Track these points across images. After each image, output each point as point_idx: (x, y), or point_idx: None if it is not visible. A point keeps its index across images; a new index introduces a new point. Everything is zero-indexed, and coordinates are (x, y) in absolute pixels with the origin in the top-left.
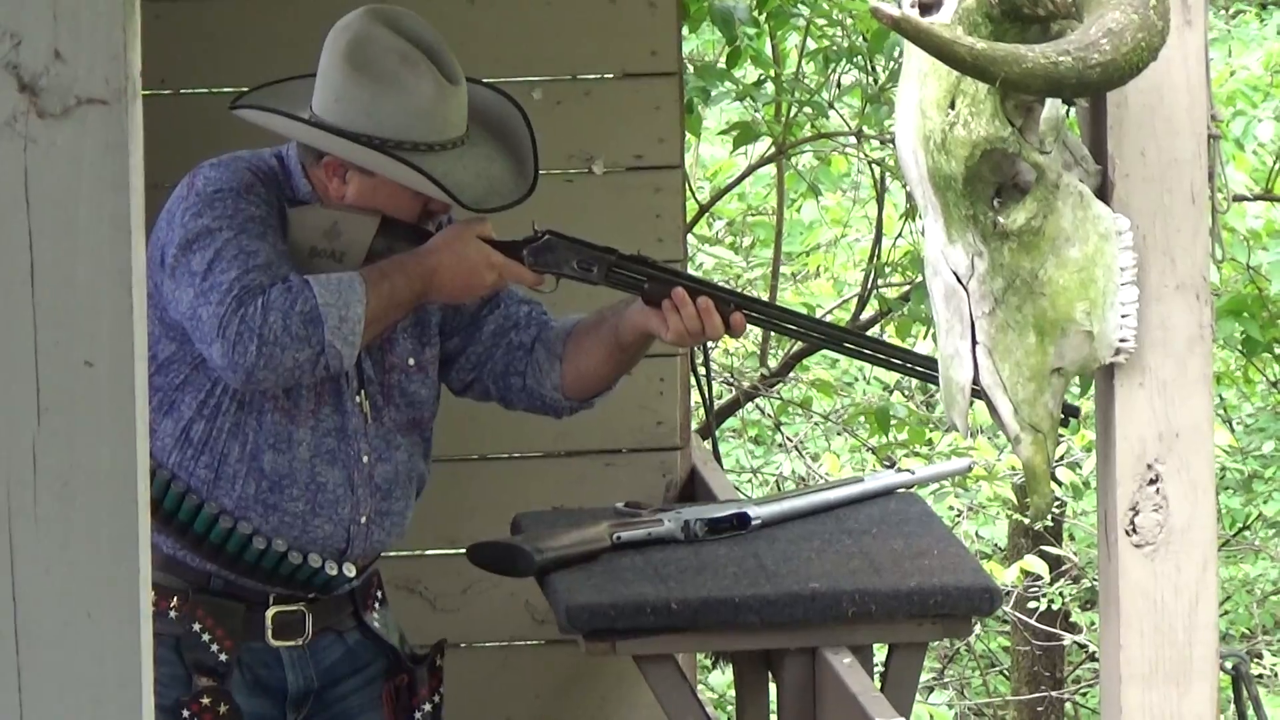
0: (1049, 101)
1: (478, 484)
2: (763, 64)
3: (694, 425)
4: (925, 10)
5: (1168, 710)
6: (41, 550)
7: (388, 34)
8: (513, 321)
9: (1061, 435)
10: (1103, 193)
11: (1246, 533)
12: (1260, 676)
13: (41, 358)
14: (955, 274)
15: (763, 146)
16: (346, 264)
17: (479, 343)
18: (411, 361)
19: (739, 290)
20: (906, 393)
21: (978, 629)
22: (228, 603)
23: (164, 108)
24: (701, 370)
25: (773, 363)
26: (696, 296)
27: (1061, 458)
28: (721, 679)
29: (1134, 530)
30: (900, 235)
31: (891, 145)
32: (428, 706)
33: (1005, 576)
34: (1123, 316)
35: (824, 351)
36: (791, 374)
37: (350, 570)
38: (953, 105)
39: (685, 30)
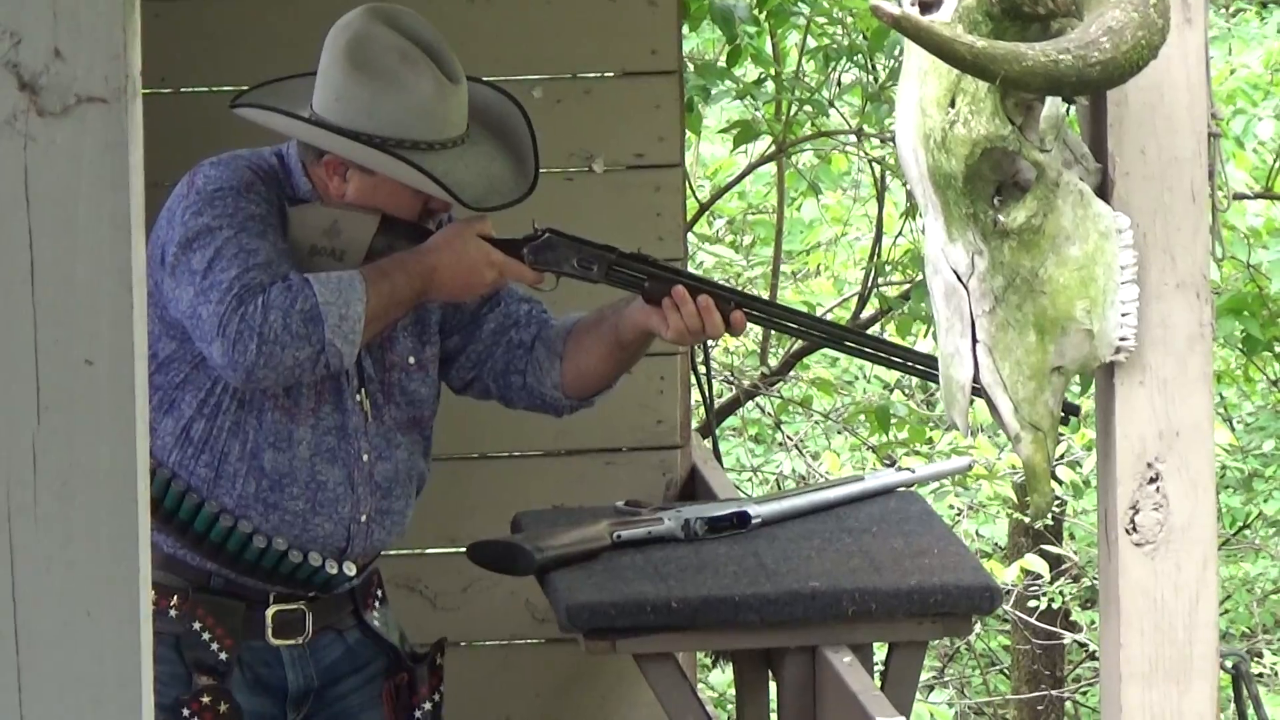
0: (1049, 100)
1: (478, 482)
2: (763, 62)
3: (694, 424)
4: (925, 8)
5: (1168, 709)
6: (41, 549)
7: (388, 32)
8: (513, 320)
9: (1062, 434)
10: (1103, 191)
11: (1247, 531)
12: (1260, 675)
13: (41, 356)
14: (955, 272)
15: (763, 145)
16: (347, 262)
17: (479, 341)
18: (412, 360)
19: (739, 289)
20: (907, 391)
21: (978, 628)
22: (228, 601)
23: (164, 106)
24: (702, 369)
25: (773, 361)
26: (697, 295)
27: (1062, 456)
28: (722, 678)
29: (1134, 529)
30: (900, 234)
31: (892, 143)
32: (428, 705)
33: (1005, 575)
34: (1123, 315)
35: (824, 350)
36: (792, 372)
37: (350, 569)
38: (953, 103)
39: (685, 29)
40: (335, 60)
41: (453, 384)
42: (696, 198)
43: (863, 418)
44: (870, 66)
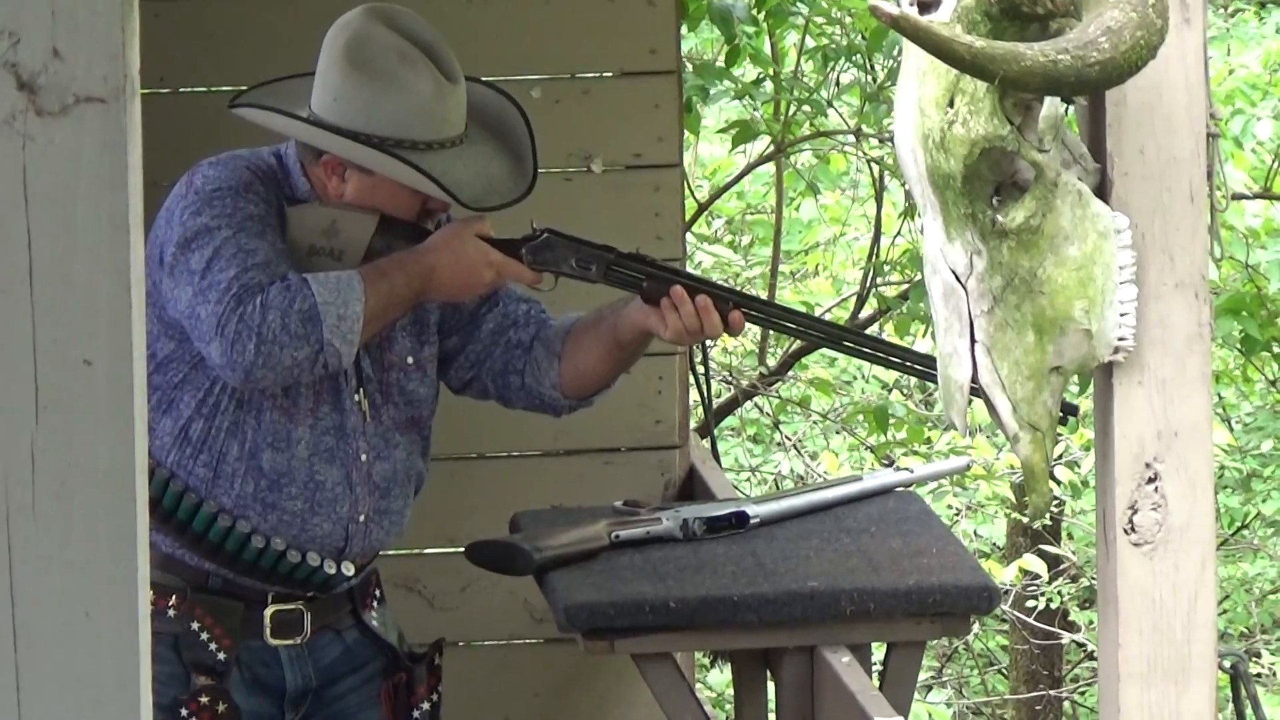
0: (1048, 100)
1: (476, 482)
2: (761, 62)
3: (692, 424)
4: (924, 8)
5: (1166, 709)
6: (40, 549)
7: (386, 33)
8: (511, 320)
9: (1060, 434)
10: (1101, 191)
11: (1245, 531)
12: (1259, 675)
13: (40, 356)
14: (954, 272)
15: (761, 145)
16: (345, 262)
17: (478, 341)
18: (410, 360)
19: (738, 288)
20: (905, 391)
21: (976, 628)
22: (226, 601)
23: (162, 106)
24: (700, 369)
25: (771, 361)
26: (695, 295)
27: (1060, 456)
28: (720, 678)
29: (1133, 529)
30: (899, 234)
31: (890, 144)
32: (426, 705)
33: (1004, 575)
34: (1121, 315)
35: (823, 350)
36: (790, 372)
37: (349, 569)
38: (951, 103)
39: (684, 29)
40: (334, 60)
41: (451, 384)
42: (695, 198)
43: (861, 418)
44: (869, 66)
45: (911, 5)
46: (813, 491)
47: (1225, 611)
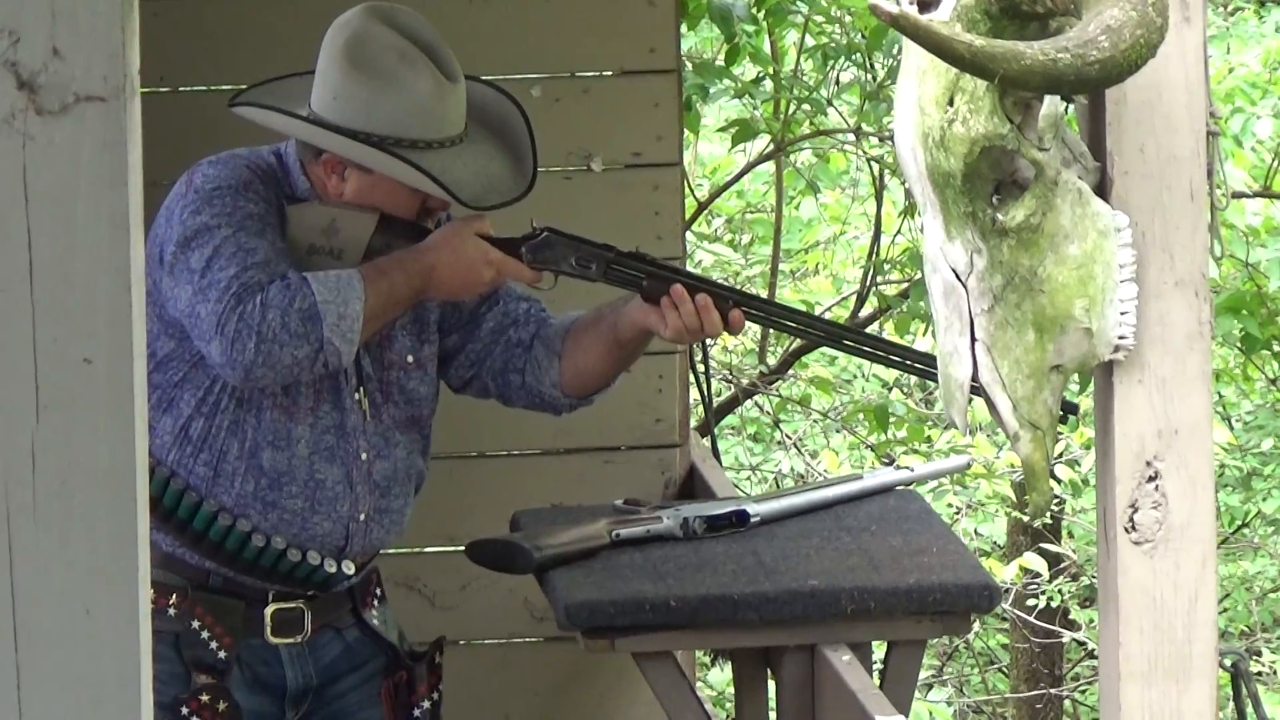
0: (1047, 98)
1: (477, 481)
2: (761, 61)
3: (693, 423)
4: (924, 7)
5: (1167, 708)
6: (40, 548)
7: (386, 31)
8: (511, 318)
9: (1060, 432)
10: (1101, 190)
11: (1245, 530)
12: (1259, 674)
13: (40, 355)
14: (954, 271)
15: (761, 144)
16: (345, 261)
17: (478, 340)
18: (410, 359)
19: (738, 287)
20: (905, 390)
21: (977, 626)
22: (227, 600)
23: (162, 105)
24: (700, 367)
25: (771, 360)
26: (695, 293)
27: (1060, 455)
28: (720, 676)
29: (1133, 527)
30: (899, 232)
31: (890, 142)
32: (426, 704)
33: (1004, 574)
34: (1122, 313)
35: (823, 349)
36: (790, 371)
37: (349, 567)
38: (951, 102)
39: (684, 27)
40: (333, 59)
41: (451, 383)
42: (695, 196)
43: (861, 416)
44: (868, 65)
45: (911, 4)
46: (813, 490)
47: (1226, 610)
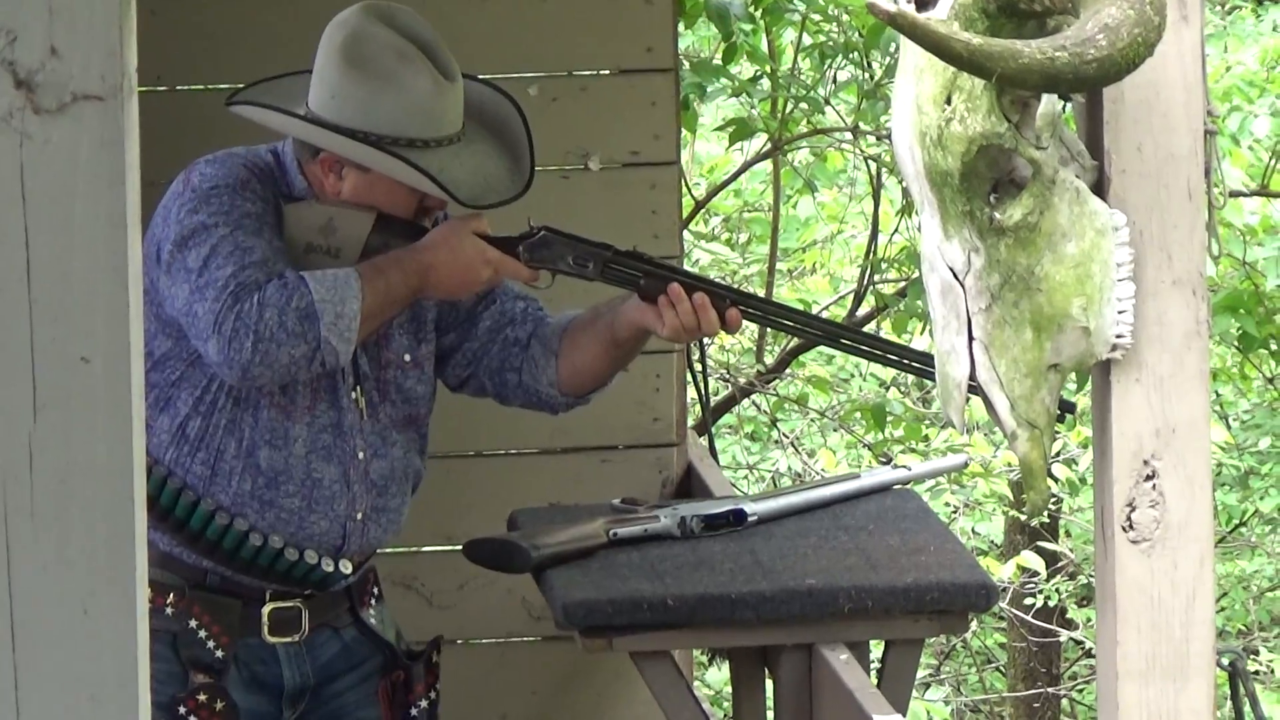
0: (1045, 97)
1: (474, 480)
2: (758, 60)
3: (690, 422)
4: (921, 5)
5: (1165, 706)
6: (38, 547)
7: (384, 30)
8: (509, 317)
9: (1058, 431)
10: (1099, 188)
11: (1243, 529)
12: (1257, 673)
13: (38, 354)
14: (952, 270)
15: (759, 143)
16: (342, 260)
17: (475, 339)
18: (407, 357)
19: (735, 286)
20: (903, 389)
21: (974, 625)
22: (224, 599)
23: (160, 104)
24: (698, 366)
25: (769, 359)
26: (692, 292)
27: (1058, 454)
28: (718, 675)
29: (1131, 526)
30: (896, 231)
31: (888, 141)
32: (424, 703)
33: (1002, 573)
34: (1119, 312)
35: (820, 348)
36: (788, 370)
37: (346, 566)
38: (949, 101)
39: (681, 26)
40: (331, 58)
41: (448, 381)
42: (692, 195)
43: (859, 415)
44: (866, 64)
45: (909, 2)
46: (810, 489)
47: (1223, 609)
